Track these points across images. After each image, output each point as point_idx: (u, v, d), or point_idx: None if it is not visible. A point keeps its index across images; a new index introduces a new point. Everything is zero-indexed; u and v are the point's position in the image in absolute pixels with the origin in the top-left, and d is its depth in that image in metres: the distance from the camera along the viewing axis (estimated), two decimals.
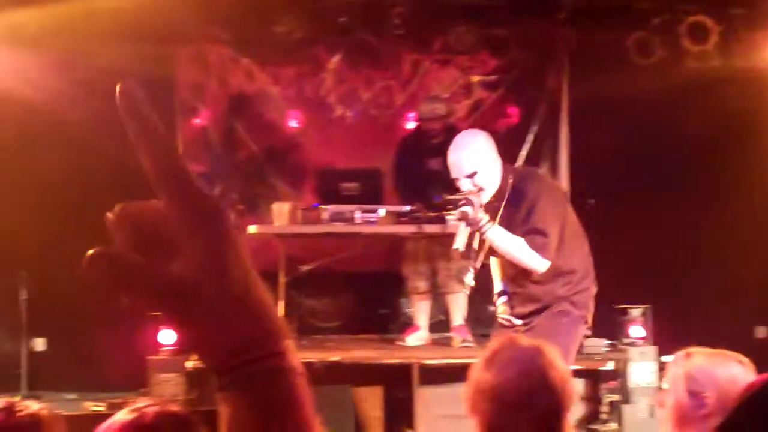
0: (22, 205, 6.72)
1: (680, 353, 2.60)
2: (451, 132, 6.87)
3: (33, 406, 2.22)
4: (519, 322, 4.27)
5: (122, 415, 1.94)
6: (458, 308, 6.52)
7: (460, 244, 4.03)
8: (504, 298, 4.36)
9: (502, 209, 4.16)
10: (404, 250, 6.60)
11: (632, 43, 7.34)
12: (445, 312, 6.70)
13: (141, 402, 2.00)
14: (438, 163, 6.29)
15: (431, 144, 6.62)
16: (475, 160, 4.18)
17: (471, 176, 4.15)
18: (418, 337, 6.60)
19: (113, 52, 6.27)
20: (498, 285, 4.45)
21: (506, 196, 4.14)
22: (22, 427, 2.15)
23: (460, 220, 4.07)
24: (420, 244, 6.53)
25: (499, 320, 4.38)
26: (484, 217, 4.09)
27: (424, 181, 6.47)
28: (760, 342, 7.44)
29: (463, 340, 6.45)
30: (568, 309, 4.22)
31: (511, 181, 4.22)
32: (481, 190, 4.15)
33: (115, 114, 0.84)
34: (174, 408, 2.01)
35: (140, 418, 1.92)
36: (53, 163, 6.80)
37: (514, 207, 4.14)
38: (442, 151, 6.50)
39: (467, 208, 4.04)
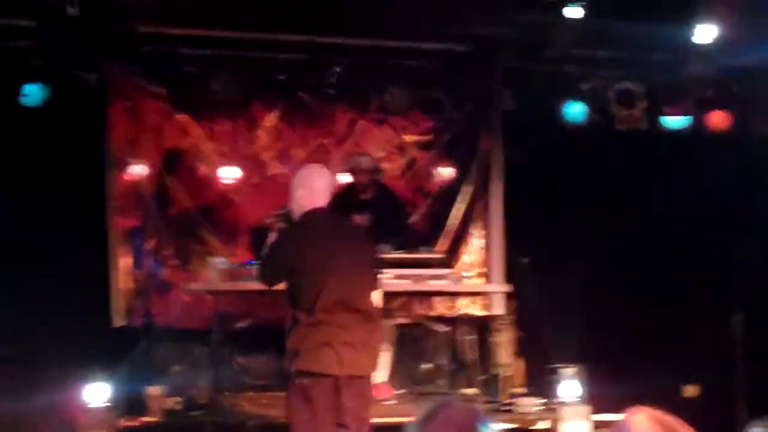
0: None
1: (628, 412, 2.61)
2: (381, 189, 6.94)
3: None
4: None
5: None
6: (381, 366, 6.47)
7: None
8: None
9: None
10: None
11: (563, 107, 7.49)
12: None
13: None
14: (365, 219, 6.33)
15: (360, 200, 6.68)
16: None
17: None
18: None
19: None
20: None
21: None
22: None
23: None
24: None
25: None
26: None
27: None
28: (687, 401, 7.55)
29: (384, 399, 6.37)
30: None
31: None
32: None
33: None
34: None
35: None
36: None
37: None
38: (370, 206, 6.58)
39: None
